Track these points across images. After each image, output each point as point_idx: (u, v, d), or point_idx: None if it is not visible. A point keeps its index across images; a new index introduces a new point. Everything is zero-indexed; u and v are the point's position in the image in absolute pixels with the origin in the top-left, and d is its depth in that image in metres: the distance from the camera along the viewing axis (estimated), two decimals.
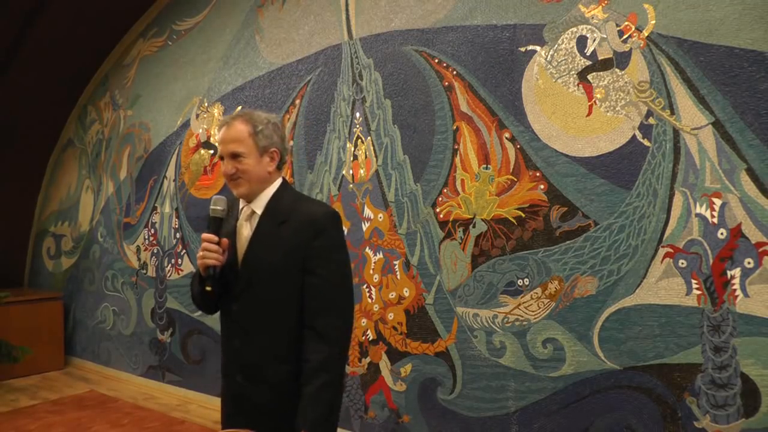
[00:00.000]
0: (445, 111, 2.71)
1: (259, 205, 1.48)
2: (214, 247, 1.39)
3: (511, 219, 2.47)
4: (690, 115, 2.05)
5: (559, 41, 2.37)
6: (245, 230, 1.49)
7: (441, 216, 2.69)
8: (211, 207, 1.44)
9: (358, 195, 3.02)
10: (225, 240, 1.43)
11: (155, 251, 4.21)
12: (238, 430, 1.32)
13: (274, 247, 1.42)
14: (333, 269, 1.42)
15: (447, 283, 2.65)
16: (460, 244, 2.61)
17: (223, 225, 1.46)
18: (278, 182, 1.52)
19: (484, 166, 2.56)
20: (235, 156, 1.43)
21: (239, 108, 3.73)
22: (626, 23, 2.21)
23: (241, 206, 1.52)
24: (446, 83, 2.72)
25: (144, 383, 4.20)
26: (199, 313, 3.83)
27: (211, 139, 3.92)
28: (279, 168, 1.51)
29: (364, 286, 2.96)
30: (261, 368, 1.43)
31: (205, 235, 1.41)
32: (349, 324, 1.45)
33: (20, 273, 5.56)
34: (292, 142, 3.38)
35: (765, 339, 1.87)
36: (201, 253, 1.40)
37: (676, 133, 2.08)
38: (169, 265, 4.09)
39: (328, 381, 1.35)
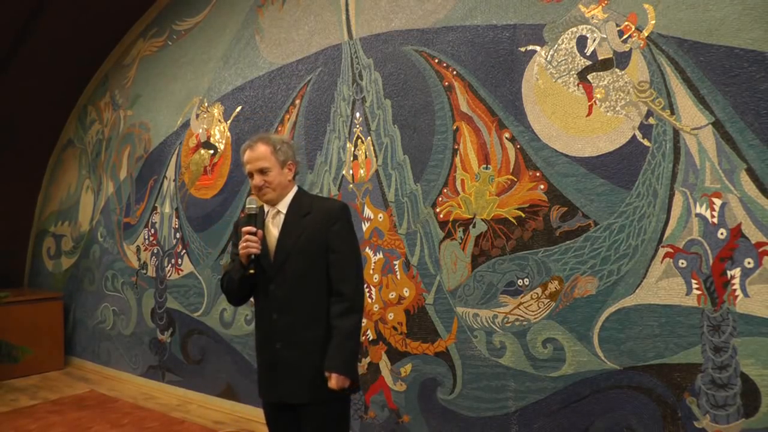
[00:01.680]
0: (445, 111, 2.71)
1: (284, 206, 1.82)
2: (254, 237, 1.71)
3: (511, 219, 2.47)
4: (690, 115, 2.05)
5: (559, 41, 2.38)
6: (273, 226, 1.82)
7: (441, 216, 2.69)
8: (247, 206, 1.75)
9: (358, 195, 3.02)
10: (260, 231, 1.75)
11: (155, 251, 4.22)
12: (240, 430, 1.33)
13: (301, 233, 1.76)
14: (348, 247, 1.79)
15: (447, 283, 2.65)
16: (460, 244, 2.61)
17: (257, 219, 1.76)
18: (296, 189, 1.87)
19: (484, 166, 2.56)
20: (262, 171, 1.77)
21: (239, 108, 3.73)
22: (626, 23, 2.21)
23: (266, 210, 1.85)
24: (446, 83, 2.72)
25: (144, 383, 4.20)
26: (199, 313, 3.83)
27: (211, 139, 3.92)
28: (294, 178, 1.87)
29: (364, 286, 2.96)
30: (296, 333, 1.73)
31: (246, 228, 1.72)
32: (362, 285, 1.83)
33: (20, 273, 5.56)
34: (291, 142, 3.38)
35: (765, 339, 1.87)
36: (244, 244, 1.70)
37: (676, 133, 2.08)
38: (169, 265, 4.09)
39: (350, 330, 1.71)
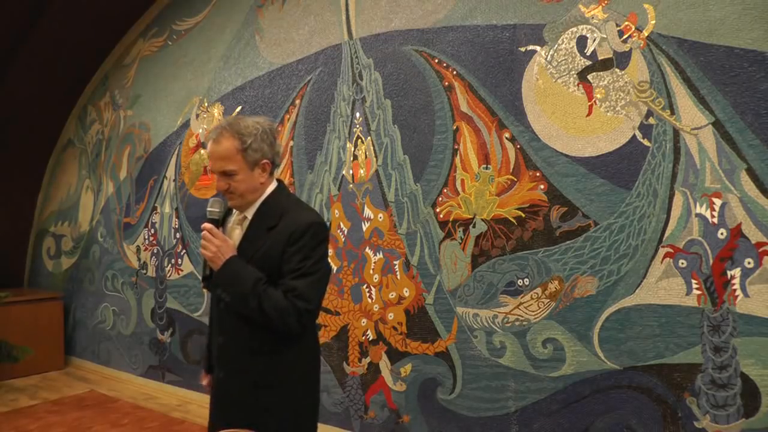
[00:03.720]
0: (445, 111, 2.71)
1: (251, 211, 1.52)
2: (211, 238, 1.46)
3: (511, 219, 2.47)
4: (690, 115, 2.05)
5: (559, 41, 2.37)
6: (236, 233, 1.54)
7: (441, 216, 2.69)
8: (208, 209, 1.51)
9: (358, 195, 3.02)
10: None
11: (155, 251, 4.21)
12: (240, 430, 1.32)
13: (258, 252, 1.46)
14: (307, 267, 1.43)
15: (447, 283, 2.65)
16: (460, 244, 2.61)
17: (219, 225, 1.53)
18: (271, 187, 1.54)
19: (484, 166, 2.56)
20: (226, 174, 1.45)
21: (239, 108, 3.73)
22: (626, 23, 2.21)
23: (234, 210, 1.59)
24: (446, 83, 2.72)
25: (144, 383, 4.19)
26: (199, 313, 3.82)
27: None
28: (272, 174, 1.54)
29: (364, 286, 2.96)
30: (240, 363, 1.48)
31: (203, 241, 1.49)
32: (314, 314, 1.51)
33: (20, 273, 5.56)
34: (292, 142, 3.38)
35: (765, 339, 1.87)
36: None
37: (676, 133, 2.08)
38: (169, 265, 4.08)
39: (272, 306, 1.38)
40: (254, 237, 1.48)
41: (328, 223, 3.13)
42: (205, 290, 1.53)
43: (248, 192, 1.48)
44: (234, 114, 3.76)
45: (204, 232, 1.45)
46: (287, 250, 1.42)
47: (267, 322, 1.39)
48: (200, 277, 1.54)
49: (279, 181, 1.58)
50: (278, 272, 1.43)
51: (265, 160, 1.48)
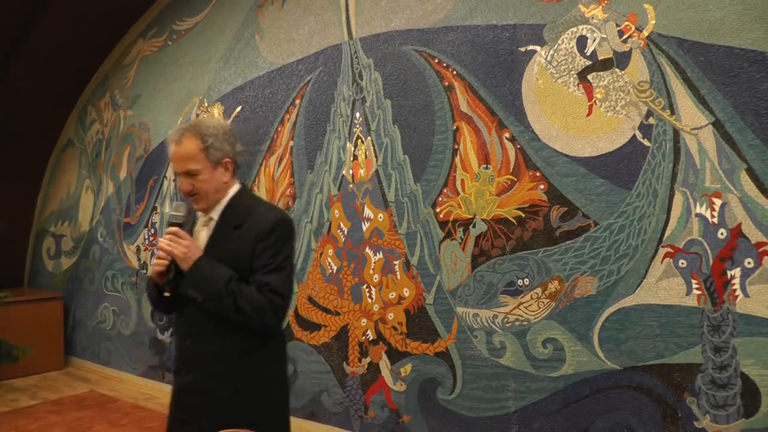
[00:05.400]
0: (445, 111, 2.71)
1: (217, 212, 1.53)
2: (163, 254, 1.44)
3: (511, 219, 2.47)
4: (690, 115, 2.05)
5: (559, 41, 2.38)
6: (203, 234, 1.54)
7: (441, 216, 2.69)
8: (172, 213, 1.50)
9: (358, 195, 3.02)
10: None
11: (155, 251, 4.21)
12: (240, 430, 1.32)
13: (226, 251, 1.47)
14: (277, 262, 1.46)
15: (447, 283, 2.65)
16: (460, 244, 2.61)
17: (184, 229, 1.51)
18: (235, 188, 1.56)
19: (484, 166, 2.56)
20: (190, 174, 1.46)
21: (239, 108, 3.73)
22: (626, 23, 2.21)
23: (199, 213, 1.59)
24: (446, 83, 2.72)
25: (144, 383, 4.19)
26: None
27: None
28: (234, 174, 1.56)
29: (364, 286, 2.96)
30: (210, 367, 1.48)
31: (161, 242, 1.46)
32: (284, 308, 1.49)
33: (20, 273, 5.56)
34: (292, 142, 3.38)
35: (765, 339, 1.87)
36: (155, 261, 1.46)
37: (676, 133, 2.08)
38: None
39: (247, 302, 1.39)
40: (222, 237, 1.49)
41: (323, 223, 3.13)
42: (168, 294, 1.48)
43: (212, 192, 1.50)
44: (234, 113, 3.77)
45: (169, 234, 1.45)
46: (257, 247, 1.44)
47: (242, 319, 1.40)
48: (159, 283, 1.49)
49: (241, 182, 1.61)
50: (248, 270, 1.45)
51: (227, 159, 1.51)
